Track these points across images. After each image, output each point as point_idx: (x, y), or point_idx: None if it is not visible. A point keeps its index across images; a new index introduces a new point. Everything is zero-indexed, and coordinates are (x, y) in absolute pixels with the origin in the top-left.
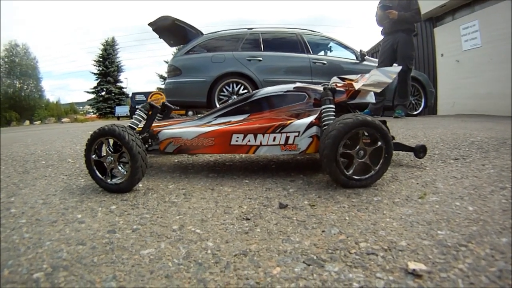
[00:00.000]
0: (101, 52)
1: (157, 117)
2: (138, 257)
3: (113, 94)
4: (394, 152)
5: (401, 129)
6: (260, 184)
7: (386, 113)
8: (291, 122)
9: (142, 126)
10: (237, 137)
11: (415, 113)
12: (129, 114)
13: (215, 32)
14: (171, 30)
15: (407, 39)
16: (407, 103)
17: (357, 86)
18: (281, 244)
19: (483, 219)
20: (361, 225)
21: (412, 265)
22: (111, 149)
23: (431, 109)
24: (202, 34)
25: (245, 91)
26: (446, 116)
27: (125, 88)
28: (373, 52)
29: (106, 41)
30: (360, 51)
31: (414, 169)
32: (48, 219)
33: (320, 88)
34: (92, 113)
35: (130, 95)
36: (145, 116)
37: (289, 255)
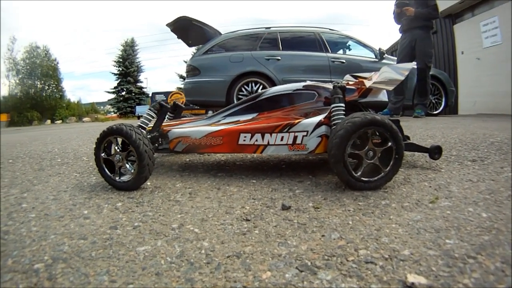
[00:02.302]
0: (120, 53)
1: (168, 116)
2: (133, 253)
3: (133, 94)
4: (409, 153)
5: (420, 129)
6: (267, 185)
7: (406, 112)
8: (299, 122)
9: (152, 125)
10: (245, 137)
11: (435, 112)
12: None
13: (233, 31)
14: (189, 30)
15: (425, 37)
16: (427, 102)
17: (368, 84)
18: (276, 247)
19: (496, 227)
20: (364, 230)
21: (411, 278)
22: (120, 148)
23: (451, 109)
24: (220, 34)
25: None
26: (467, 116)
27: (145, 88)
28: (392, 51)
29: (126, 42)
30: (379, 49)
31: (429, 171)
32: (56, 214)
33: (330, 86)
34: (112, 113)
35: (150, 95)
36: (154, 116)
37: (283, 259)
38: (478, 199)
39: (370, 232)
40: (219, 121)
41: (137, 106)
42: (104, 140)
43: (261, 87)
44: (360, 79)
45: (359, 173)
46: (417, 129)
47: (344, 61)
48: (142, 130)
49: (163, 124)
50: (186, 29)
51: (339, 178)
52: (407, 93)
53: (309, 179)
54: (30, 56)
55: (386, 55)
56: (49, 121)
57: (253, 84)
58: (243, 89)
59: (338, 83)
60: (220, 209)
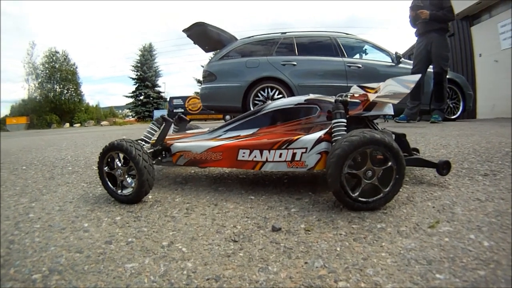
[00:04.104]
0: (138, 58)
1: (174, 129)
2: (121, 269)
3: (151, 98)
4: (417, 167)
5: (435, 136)
6: (264, 202)
7: (424, 117)
8: (298, 138)
9: (156, 138)
10: (244, 153)
11: (453, 117)
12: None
13: (249, 37)
14: (206, 36)
15: (440, 40)
16: (444, 107)
17: (372, 97)
18: (256, 273)
19: (496, 260)
20: (350, 259)
21: None
22: (122, 162)
23: (470, 113)
24: (236, 39)
25: (280, 96)
26: (485, 120)
27: (163, 92)
28: (409, 54)
29: (144, 47)
30: (396, 53)
31: (435, 188)
32: (59, 225)
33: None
34: (131, 117)
35: (168, 99)
36: (157, 129)
37: (259, 286)
38: (483, 223)
39: (356, 261)
40: (220, 135)
41: (155, 111)
42: (106, 155)
43: (277, 92)
44: (366, 91)
45: (356, 194)
46: (432, 136)
47: (360, 65)
48: (143, 146)
49: (167, 137)
50: (202, 34)
51: (336, 198)
52: (424, 98)
53: (308, 196)
54: (49, 60)
55: (402, 59)
56: (67, 124)
57: (269, 90)
58: (259, 95)
59: (342, 96)
60: (212, 227)
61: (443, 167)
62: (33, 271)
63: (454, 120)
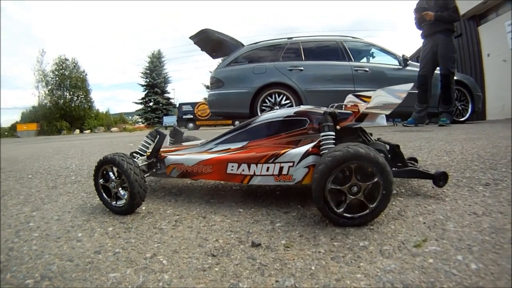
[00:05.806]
0: (147, 65)
1: (170, 141)
2: (104, 278)
3: (160, 105)
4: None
5: (440, 141)
6: (252, 215)
7: (433, 119)
8: (285, 152)
9: (150, 151)
10: (232, 166)
11: (462, 119)
12: (176, 124)
13: (256, 43)
14: (212, 42)
15: (446, 41)
16: (452, 110)
17: (362, 108)
18: None
19: (481, 285)
20: (323, 279)
21: None
22: (115, 175)
23: (479, 114)
24: (242, 45)
25: (288, 101)
26: (495, 122)
27: (173, 98)
28: (417, 56)
29: (152, 54)
30: (403, 56)
31: (430, 201)
32: (55, 235)
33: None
34: (140, 123)
35: (177, 106)
36: (151, 143)
37: None
38: (475, 242)
39: (328, 282)
40: (211, 148)
41: (164, 117)
42: (100, 169)
43: (284, 98)
44: (362, 99)
45: (341, 209)
46: (437, 142)
47: (367, 69)
48: (135, 160)
49: (162, 149)
50: (209, 41)
51: (320, 213)
52: (431, 100)
53: (296, 209)
54: (59, 68)
55: (410, 61)
56: (78, 131)
57: (277, 95)
58: (266, 101)
59: (333, 106)
60: (196, 241)
61: (440, 178)
62: (26, 276)
63: (463, 122)
